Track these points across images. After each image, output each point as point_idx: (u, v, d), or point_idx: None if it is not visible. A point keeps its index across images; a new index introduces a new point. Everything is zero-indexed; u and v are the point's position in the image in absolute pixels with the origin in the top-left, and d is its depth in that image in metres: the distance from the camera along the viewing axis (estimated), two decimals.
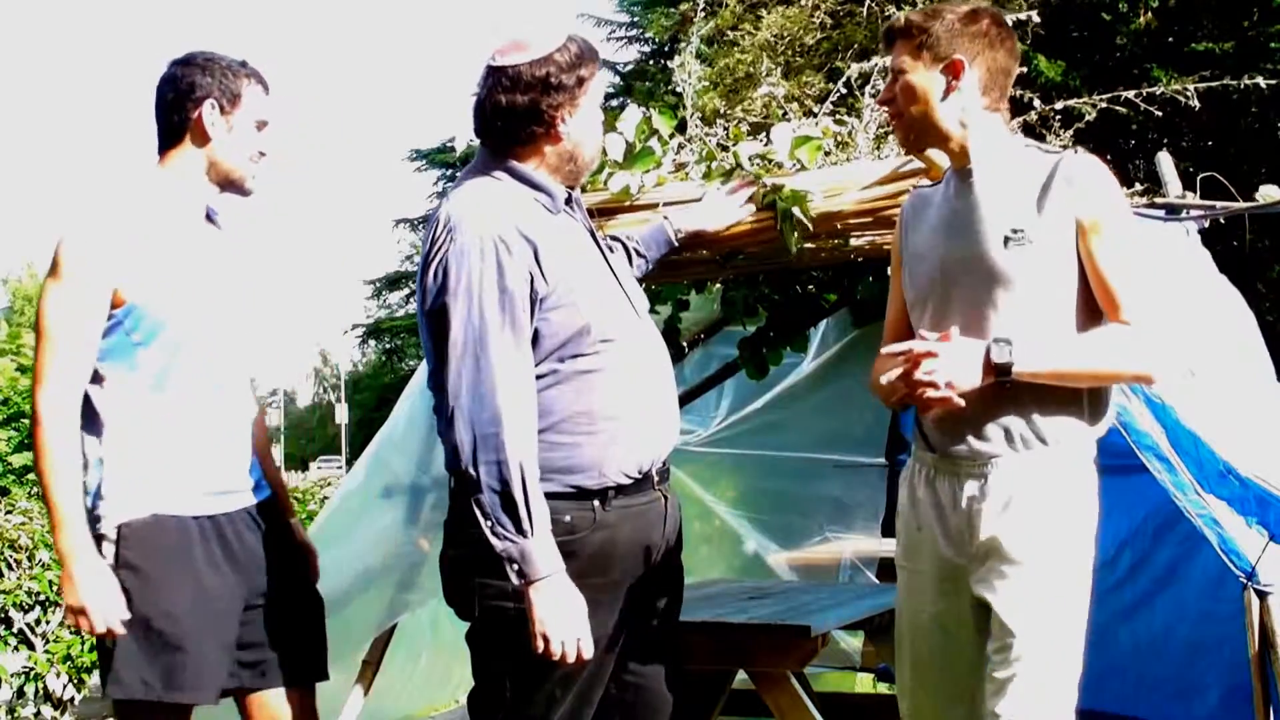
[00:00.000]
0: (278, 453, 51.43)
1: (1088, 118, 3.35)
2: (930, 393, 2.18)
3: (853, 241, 3.13)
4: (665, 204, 3.08)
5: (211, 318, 2.54)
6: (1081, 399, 2.28)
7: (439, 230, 2.33)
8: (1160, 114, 3.58)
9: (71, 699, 4.99)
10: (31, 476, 11.49)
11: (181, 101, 2.54)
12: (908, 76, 2.33)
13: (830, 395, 5.21)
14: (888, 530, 5.64)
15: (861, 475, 5.53)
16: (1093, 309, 2.25)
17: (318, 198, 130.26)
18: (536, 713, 2.33)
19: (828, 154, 3.25)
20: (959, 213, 2.34)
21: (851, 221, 3.09)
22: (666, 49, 16.87)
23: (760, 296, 3.95)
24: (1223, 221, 3.46)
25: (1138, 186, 3.55)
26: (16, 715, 4.95)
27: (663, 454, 2.44)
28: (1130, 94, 3.47)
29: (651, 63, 18.40)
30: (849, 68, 3.51)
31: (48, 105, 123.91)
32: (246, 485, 2.60)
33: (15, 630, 5.16)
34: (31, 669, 5.02)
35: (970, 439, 2.29)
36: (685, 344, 4.13)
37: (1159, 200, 3.45)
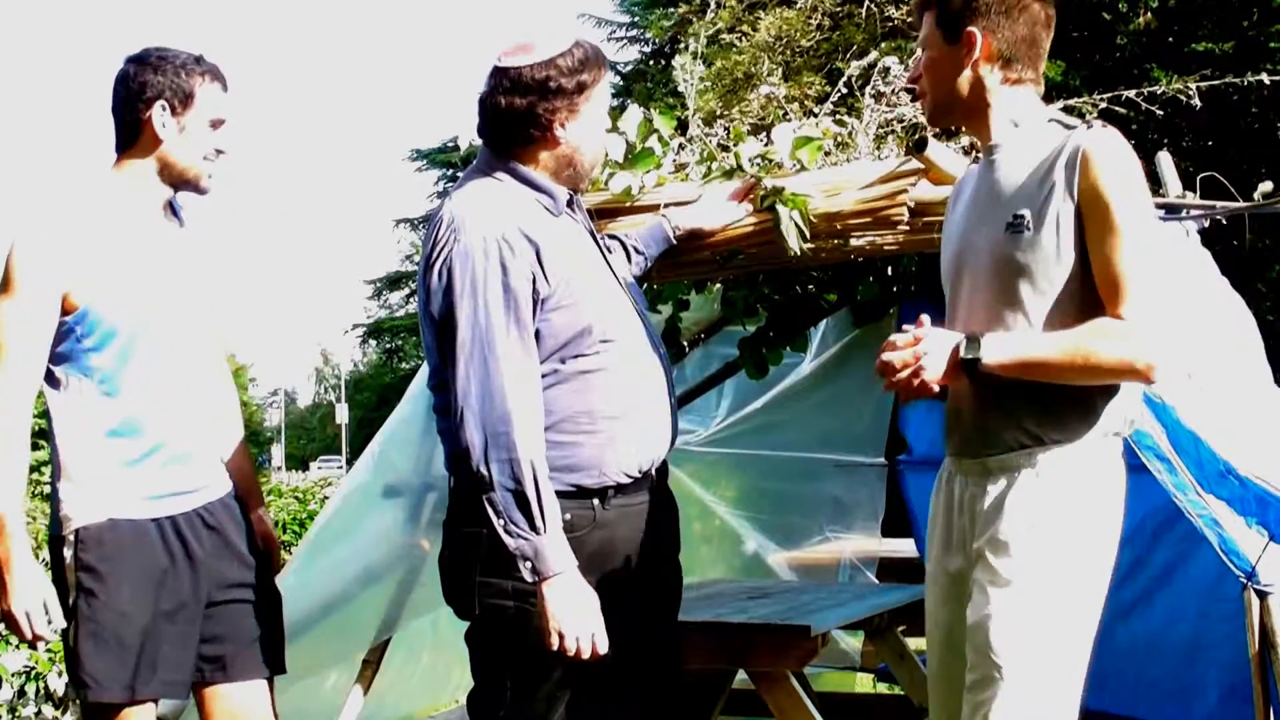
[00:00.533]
0: (278, 452, 51.48)
1: (1089, 118, 3.35)
2: (909, 382, 2.10)
3: (853, 241, 3.13)
4: (666, 205, 3.08)
5: (165, 318, 2.52)
6: (1093, 399, 2.14)
7: (442, 231, 2.34)
8: (1160, 114, 3.58)
9: (73, 698, 4.99)
10: (34, 477, 11.47)
11: (133, 102, 2.50)
12: (929, 52, 2.25)
13: (830, 395, 5.22)
14: (888, 530, 5.65)
15: (861, 475, 5.54)
16: (1099, 305, 2.08)
17: (318, 198, 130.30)
18: (536, 712, 2.33)
19: (828, 154, 3.26)
20: (979, 195, 2.25)
21: (851, 221, 3.09)
22: (666, 49, 16.86)
23: (760, 296, 3.95)
24: (1224, 221, 3.46)
25: None
26: (17, 714, 4.95)
27: (662, 454, 2.45)
28: (1131, 93, 3.47)
29: (651, 63, 18.40)
30: (848, 68, 3.51)
31: (44, 104, 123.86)
32: (207, 482, 2.60)
33: None
34: (32, 668, 5.02)
35: (974, 439, 2.20)
36: (685, 344, 4.13)
37: (1158, 200, 3.45)
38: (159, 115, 2.49)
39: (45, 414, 2.46)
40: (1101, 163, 2.06)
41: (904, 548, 5.66)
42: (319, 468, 36.61)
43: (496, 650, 2.35)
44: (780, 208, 3.02)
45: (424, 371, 3.86)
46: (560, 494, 2.29)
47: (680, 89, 3.64)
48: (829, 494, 5.64)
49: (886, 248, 3.17)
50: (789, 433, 5.43)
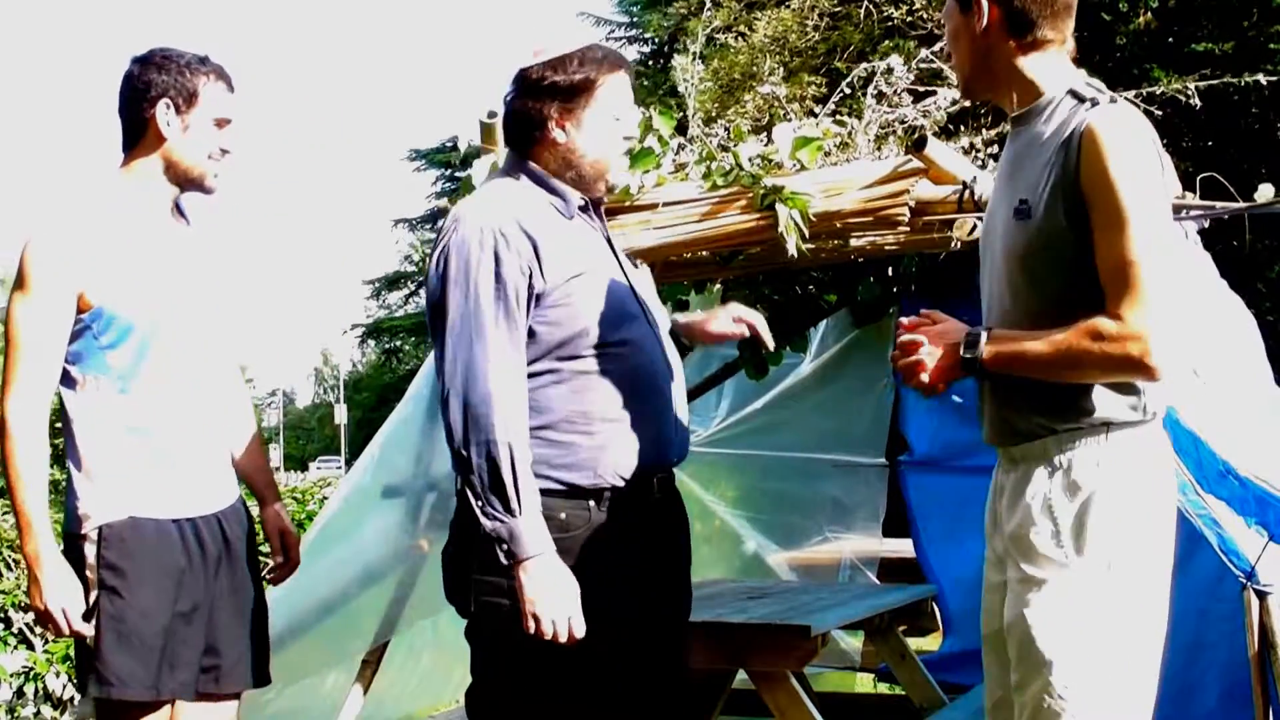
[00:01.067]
0: (277, 453, 51.46)
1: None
2: (922, 376, 2.06)
3: (853, 242, 3.14)
4: (664, 204, 3.08)
5: (179, 316, 2.53)
6: (1103, 387, 2.01)
7: (446, 223, 2.41)
8: (1160, 114, 3.58)
9: (71, 698, 4.99)
10: None
11: (138, 101, 2.51)
12: (948, 24, 2.16)
13: (830, 395, 5.22)
14: (888, 530, 5.66)
15: (861, 475, 5.54)
16: (1096, 295, 1.96)
17: (318, 198, 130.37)
18: (534, 710, 2.33)
19: (827, 154, 3.26)
20: (1003, 172, 2.15)
21: (851, 221, 3.10)
22: (665, 49, 16.86)
23: (760, 296, 3.95)
24: (1227, 219, 3.46)
25: None
26: (16, 715, 4.95)
27: (664, 461, 2.43)
28: (1130, 94, 3.47)
29: (650, 63, 18.40)
30: (847, 69, 3.51)
31: (45, 104, 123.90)
32: (218, 486, 2.61)
33: (15, 630, 5.16)
34: (31, 669, 5.02)
35: (998, 428, 2.13)
36: (686, 343, 4.13)
37: None
38: (163, 114, 2.50)
39: (59, 413, 2.46)
40: (1105, 147, 1.91)
41: (904, 548, 5.66)
42: (318, 468, 36.62)
43: (494, 647, 2.34)
44: (780, 208, 3.02)
45: (423, 372, 3.88)
46: (556, 493, 2.30)
47: (680, 89, 3.64)
48: (829, 494, 5.65)
49: (886, 248, 3.17)
50: (789, 433, 5.43)
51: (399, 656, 4.07)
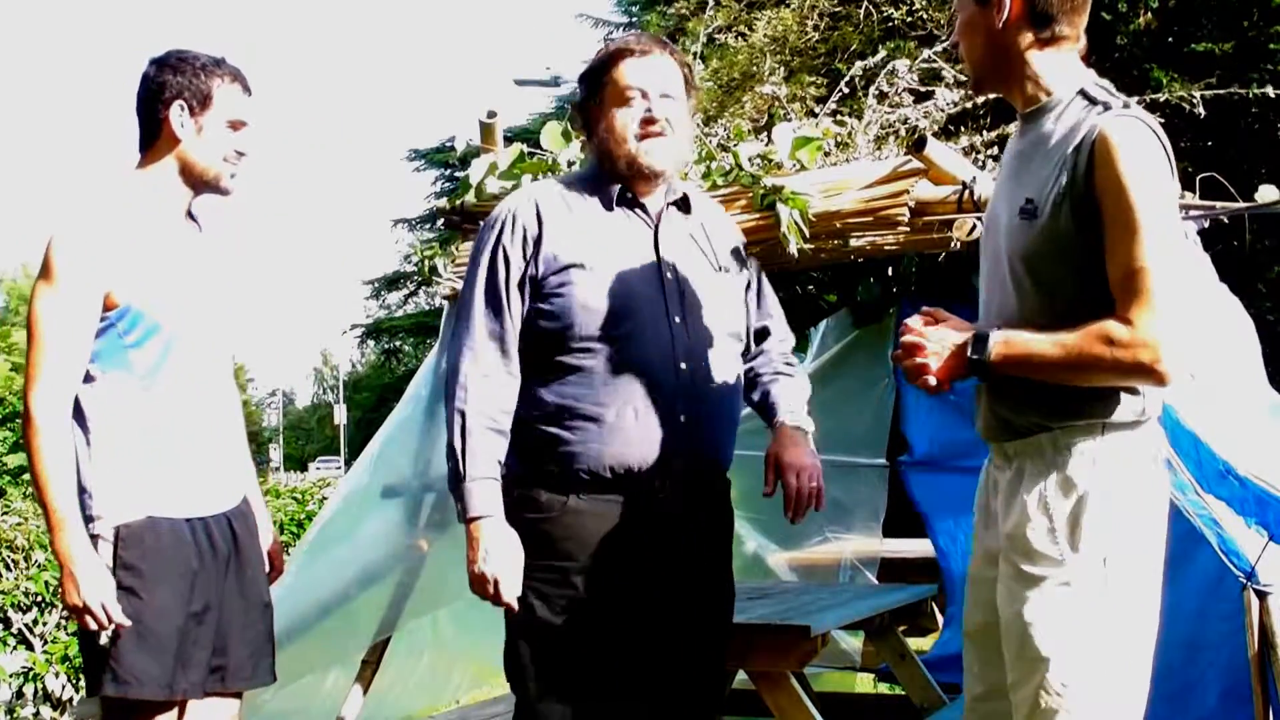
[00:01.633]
0: (276, 453, 51.46)
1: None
2: (927, 378, 2.05)
3: (852, 242, 3.13)
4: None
5: (200, 317, 2.55)
6: (1101, 387, 2.02)
7: None
8: (1159, 115, 3.58)
9: (70, 699, 4.98)
10: (27, 477, 11.47)
11: (153, 102, 2.53)
12: (961, 14, 2.13)
13: (830, 395, 5.21)
14: (888, 531, 5.65)
15: (861, 475, 5.52)
16: (1104, 298, 1.97)
17: (318, 198, 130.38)
18: (527, 701, 2.40)
19: (827, 154, 3.26)
20: (1008, 167, 2.15)
21: (851, 221, 3.09)
22: None
23: None
24: (1226, 221, 3.46)
25: None
26: (16, 715, 4.95)
27: (655, 460, 2.39)
28: (1134, 100, 3.46)
29: None
30: (847, 70, 3.52)
31: (44, 105, 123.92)
32: (228, 485, 2.61)
33: (14, 630, 5.16)
34: (30, 669, 5.02)
35: (993, 424, 2.13)
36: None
37: None
38: (176, 115, 2.52)
39: (75, 410, 2.45)
40: (1119, 152, 1.92)
41: (905, 548, 5.65)
42: (317, 468, 36.62)
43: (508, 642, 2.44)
44: (780, 207, 3.02)
45: (422, 372, 3.88)
46: (537, 477, 2.41)
47: None
48: (829, 495, 5.59)
49: (886, 248, 3.17)
50: None
51: (399, 656, 4.07)
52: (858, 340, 4.98)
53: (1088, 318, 1.96)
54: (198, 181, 2.57)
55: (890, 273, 4.14)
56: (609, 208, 2.46)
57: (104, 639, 2.38)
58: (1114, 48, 10.44)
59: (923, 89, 3.56)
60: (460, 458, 2.36)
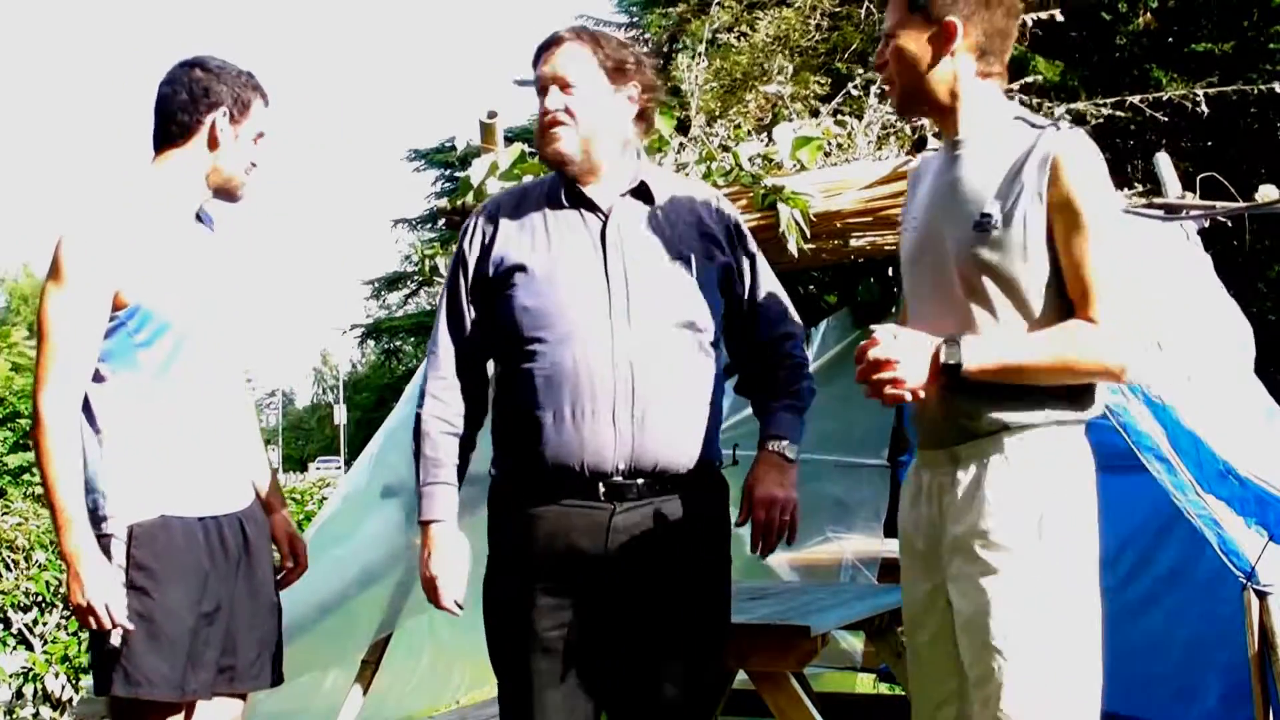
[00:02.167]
0: (276, 454, 51.48)
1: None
2: (889, 389, 2.06)
3: (853, 242, 3.14)
4: None
5: (210, 317, 2.56)
6: (1059, 387, 2.11)
7: None
8: (1160, 115, 3.58)
9: (70, 699, 4.99)
10: (27, 477, 11.44)
11: (195, 104, 2.54)
12: (899, 40, 2.18)
13: (830, 395, 5.20)
14: (889, 531, 5.65)
15: (862, 475, 5.53)
16: (1065, 303, 2.08)
17: (318, 198, 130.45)
18: (506, 699, 2.45)
19: (828, 154, 3.26)
20: (942, 189, 2.19)
21: (851, 221, 3.10)
22: (665, 49, 16.85)
23: None
24: (1226, 221, 3.46)
25: (1137, 187, 3.56)
26: (15, 715, 4.95)
27: (596, 463, 2.34)
28: (1136, 99, 3.47)
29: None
30: (848, 70, 3.52)
31: (43, 105, 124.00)
32: (239, 486, 2.62)
33: (14, 631, 5.17)
34: (30, 669, 5.02)
35: (941, 429, 2.16)
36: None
37: (1158, 201, 3.45)
38: (221, 121, 2.54)
39: (84, 409, 2.45)
40: (1074, 168, 2.05)
41: None
42: (317, 469, 36.59)
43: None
44: (780, 207, 3.02)
45: (422, 371, 3.87)
46: (500, 480, 2.46)
47: (684, 88, 3.64)
48: (830, 494, 5.63)
49: (886, 248, 3.17)
50: None
51: (399, 657, 4.07)
52: (858, 340, 4.97)
53: (1052, 320, 2.06)
54: (220, 186, 2.59)
55: (890, 273, 4.14)
56: (557, 206, 2.44)
57: (115, 639, 2.38)
58: (1114, 48, 10.45)
59: None
60: (416, 462, 2.47)
